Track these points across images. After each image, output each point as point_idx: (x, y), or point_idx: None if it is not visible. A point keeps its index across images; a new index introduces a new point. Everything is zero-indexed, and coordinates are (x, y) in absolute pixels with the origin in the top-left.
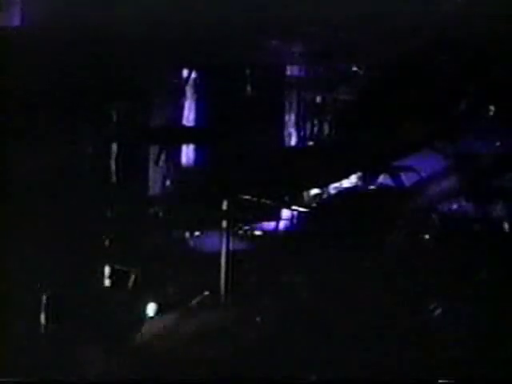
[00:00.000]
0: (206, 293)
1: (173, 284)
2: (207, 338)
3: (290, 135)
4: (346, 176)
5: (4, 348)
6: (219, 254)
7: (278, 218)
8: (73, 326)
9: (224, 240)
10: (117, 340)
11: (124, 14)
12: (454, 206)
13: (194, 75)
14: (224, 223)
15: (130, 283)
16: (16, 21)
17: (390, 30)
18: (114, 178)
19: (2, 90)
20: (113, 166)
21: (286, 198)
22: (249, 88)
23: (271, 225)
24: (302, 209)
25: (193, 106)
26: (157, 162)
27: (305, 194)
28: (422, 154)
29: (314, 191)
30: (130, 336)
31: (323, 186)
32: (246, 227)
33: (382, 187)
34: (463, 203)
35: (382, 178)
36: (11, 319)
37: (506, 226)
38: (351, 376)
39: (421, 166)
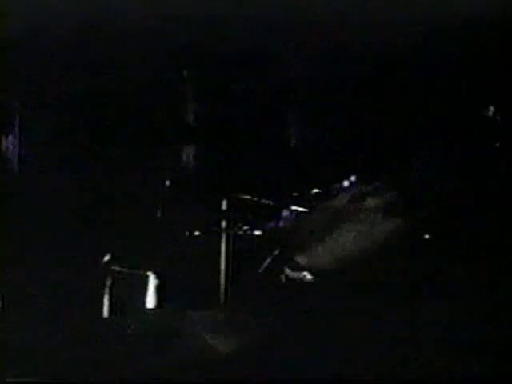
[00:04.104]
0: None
1: (172, 283)
2: (206, 338)
3: (290, 135)
4: (347, 176)
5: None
6: (219, 253)
7: (278, 218)
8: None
9: (224, 240)
10: (115, 339)
11: (124, 14)
12: None
13: (193, 75)
14: (224, 223)
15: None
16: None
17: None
18: (114, 178)
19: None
20: (113, 165)
21: (287, 198)
22: (249, 89)
23: (271, 225)
24: (301, 209)
25: (193, 107)
26: (157, 162)
27: (305, 194)
28: None
29: (314, 191)
30: (128, 336)
31: (323, 186)
32: (246, 227)
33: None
34: None
35: None
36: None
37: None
38: (351, 376)
39: None
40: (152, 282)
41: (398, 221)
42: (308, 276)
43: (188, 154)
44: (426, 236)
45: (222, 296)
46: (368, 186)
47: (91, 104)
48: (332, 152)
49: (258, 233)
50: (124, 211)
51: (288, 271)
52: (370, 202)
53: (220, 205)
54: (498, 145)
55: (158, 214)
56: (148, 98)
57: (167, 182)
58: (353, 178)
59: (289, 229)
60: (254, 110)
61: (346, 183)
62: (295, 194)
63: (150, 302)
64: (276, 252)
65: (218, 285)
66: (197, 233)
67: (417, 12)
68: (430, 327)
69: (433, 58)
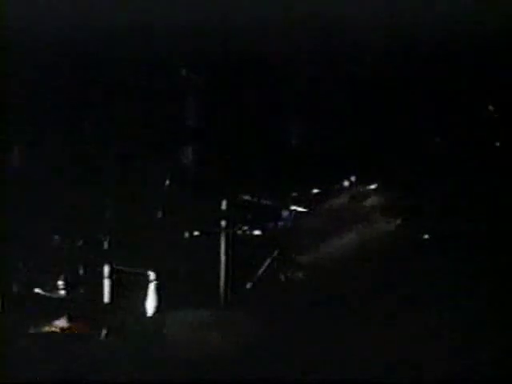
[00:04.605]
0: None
1: (172, 283)
2: (207, 338)
3: (290, 135)
4: (347, 176)
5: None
6: (219, 253)
7: (277, 218)
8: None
9: (224, 240)
10: (117, 339)
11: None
12: None
13: (193, 75)
14: (224, 223)
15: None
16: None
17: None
18: (113, 178)
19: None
20: (113, 166)
21: (287, 198)
22: (248, 88)
23: (271, 225)
24: (301, 209)
25: (193, 107)
26: (157, 162)
27: (305, 194)
28: None
29: (314, 191)
30: (129, 335)
31: (323, 186)
32: (246, 227)
33: None
34: None
35: None
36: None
37: None
38: (351, 376)
39: None
40: (152, 288)
41: (398, 221)
42: (300, 275)
43: (188, 154)
44: (426, 236)
45: (222, 296)
46: (368, 186)
47: (91, 104)
48: (332, 152)
49: (257, 233)
50: (124, 211)
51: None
52: (370, 201)
53: (220, 205)
54: (498, 144)
55: (159, 215)
56: (148, 98)
57: (167, 182)
58: (353, 178)
59: (289, 229)
60: (254, 110)
61: (346, 183)
62: (295, 194)
63: (150, 309)
64: (276, 252)
65: (218, 285)
66: (197, 233)
67: (416, 12)
68: (430, 327)
69: (433, 57)
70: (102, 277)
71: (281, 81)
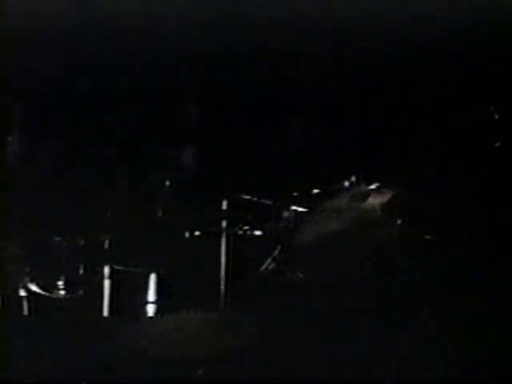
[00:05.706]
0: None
1: (172, 283)
2: (207, 338)
3: (290, 135)
4: (347, 176)
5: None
6: (219, 253)
7: (278, 218)
8: None
9: (224, 240)
10: (118, 339)
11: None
12: None
13: (193, 75)
14: (224, 223)
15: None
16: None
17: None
18: (113, 178)
19: None
20: (113, 165)
21: (287, 198)
22: (248, 88)
23: (271, 225)
24: (301, 209)
25: (193, 107)
26: (157, 162)
27: (305, 194)
28: None
29: (314, 191)
30: (129, 335)
31: (323, 186)
32: (246, 227)
33: None
34: None
35: None
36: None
37: None
38: (351, 376)
39: None
40: (152, 288)
41: (398, 221)
42: (300, 275)
43: (188, 154)
44: (427, 236)
45: (222, 296)
46: (368, 185)
47: (91, 104)
48: (332, 152)
49: (258, 233)
50: (124, 211)
51: None
52: (370, 201)
53: (220, 205)
54: (498, 145)
55: (159, 214)
56: (148, 98)
57: (167, 182)
58: (353, 178)
59: (289, 229)
60: (254, 110)
61: (346, 183)
62: (295, 193)
63: (150, 309)
64: (276, 252)
65: (218, 285)
66: (197, 233)
67: (416, 12)
68: (430, 327)
69: (433, 58)
70: (102, 277)
71: (281, 81)
